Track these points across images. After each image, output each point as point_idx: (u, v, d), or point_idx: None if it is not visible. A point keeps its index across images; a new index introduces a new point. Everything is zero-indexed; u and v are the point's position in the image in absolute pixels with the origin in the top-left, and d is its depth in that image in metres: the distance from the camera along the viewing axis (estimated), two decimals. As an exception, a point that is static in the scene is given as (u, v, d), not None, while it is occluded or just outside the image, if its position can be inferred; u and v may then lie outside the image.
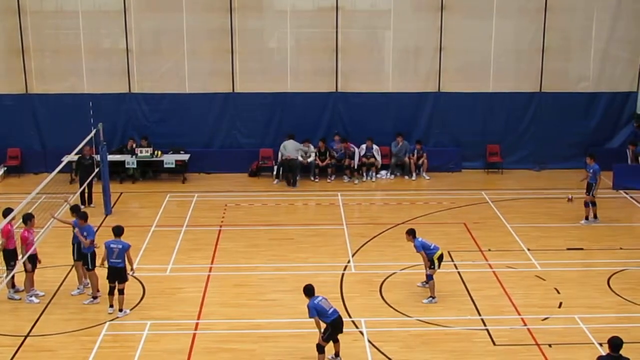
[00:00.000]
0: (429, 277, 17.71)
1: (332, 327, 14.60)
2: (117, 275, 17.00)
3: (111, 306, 17.23)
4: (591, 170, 22.46)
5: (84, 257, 17.64)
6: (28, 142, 27.66)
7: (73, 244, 17.97)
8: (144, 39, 27.56)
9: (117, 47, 27.54)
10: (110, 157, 25.03)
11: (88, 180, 23.26)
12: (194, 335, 16.33)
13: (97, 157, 23.39)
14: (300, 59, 27.91)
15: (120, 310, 17.13)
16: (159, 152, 26.81)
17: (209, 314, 17.24)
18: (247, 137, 27.98)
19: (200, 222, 22.92)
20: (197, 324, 16.79)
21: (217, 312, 17.32)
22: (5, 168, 27.46)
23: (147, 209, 23.88)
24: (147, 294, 18.16)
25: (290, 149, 26.66)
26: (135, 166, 26.60)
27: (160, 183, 26.66)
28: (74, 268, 18.39)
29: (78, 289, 18.14)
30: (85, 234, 17.43)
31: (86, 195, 23.78)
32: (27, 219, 17.43)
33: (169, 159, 26.78)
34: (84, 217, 17.71)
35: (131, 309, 17.36)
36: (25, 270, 17.43)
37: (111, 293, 17.15)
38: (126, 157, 26.59)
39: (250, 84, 27.66)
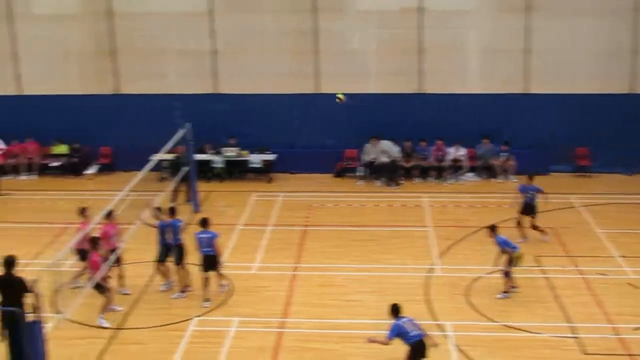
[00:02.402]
0: (507, 274, 17.62)
1: (414, 350, 13.88)
2: (211, 263, 17.64)
3: (207, 300, 17.60)
4: None
5: (174, 253, 18.04)
6: (119, 141, 28.28)
7: (163, 245, 18.28)
8: (228, 40, 27.88)
9: (203, 49, 27.94)
10: (198, 157, 25.41)
11: (179, 180, 23.69)
12: (280, 333, 16.47)
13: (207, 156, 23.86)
14: (382, 60, 27.86)
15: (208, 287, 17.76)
16: (246, 152, 27.11)
17: (294, 313, 17.36)
18: (331, 137, 28.04)
19: (286, 222, 23.09)
20: (282, 323, 16.93)
21: (302, 311, 17.43)
22: (98, 166, 28.17)
23: (233, 208, 24.16)
24: (234, 291, 18.39)
25: (380, 149, 26.60)
26: (222, 165, 26.97)
27: (246, 182, 26.94)
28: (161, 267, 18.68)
29: (165, 284, 18.48)
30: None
31: (184, 193, 24.21)
32: (108, 215, 17.87)
33: (255, 159, 27.07)
34: (171, 212, 18.21)
35: (218, 306, 17.62)
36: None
37: (206, 285, 17.63)
38: (213, 157, 26.95)
39: (333, 85, 27.65)
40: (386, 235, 21.98)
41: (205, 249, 17.62)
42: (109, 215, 17.99)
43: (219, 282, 18.27)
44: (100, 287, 16.67)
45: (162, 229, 18.12)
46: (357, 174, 27.14)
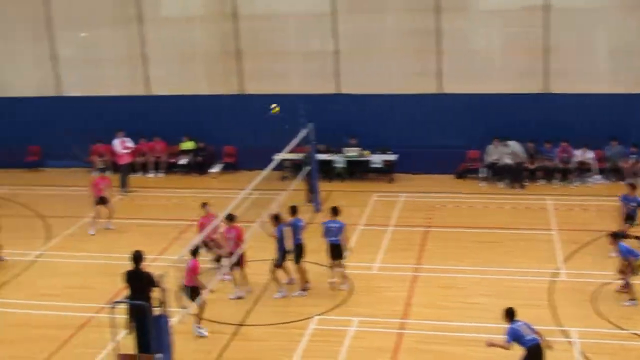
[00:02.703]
0: (627, 284, 17.15)
1: (530, 354, 13.55)
2: (337, 252, 18.13)
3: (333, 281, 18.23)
4: None
5: (294, 252, 18.22)
6: (242, 141, 28.77)
7: (281, 250, 18.36)
8: (351, 40, 27.92)
9: (326, 49, 28.10)
10: (319, 156, 25.59)
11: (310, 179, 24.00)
12: (399, 334, 16.41)
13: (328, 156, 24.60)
14: (506, 59, 27.34)
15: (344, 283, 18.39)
16: (367, 152, 27.15)
17: (414, 314, 17.27)
18: (453, 138, 27.70)
19: (407, 222, 22.98)
20: (402, 324, 16.86)
21: (422, 313, 17.32)
22: (222, 165, 28.75)
23: (354, 208, 24.20)
24: (355, 290, 18.45)
25: (505, 150, 26.17)
26: (343, 165, 27.09)
27: (367, 182, 26.94)
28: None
29: (280, 292, 18.47)
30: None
31: (310, 193, 24.45)
32: (230, 218, 18.07)
33: (376, 159, 27.07)
34: (275, 218, 18.27)
35: (338, 306, 17.71)
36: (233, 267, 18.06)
37: (334, 267, 18.32)
38: (334, 157, 27.10)
39: (456, 85, 27.37)
40: (509, 237, 21.60)
41: (332, 238, 18.08)
42: (230, 218, 18.17)
43: (338, 275, 18.46)
44: (194, 293, 16.19)
45: (281, 235, 18.16)
46: (480, 175, 26.76)
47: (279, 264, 18.31)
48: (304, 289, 18.38)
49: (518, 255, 20.31)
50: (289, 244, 18.14)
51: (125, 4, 28.92)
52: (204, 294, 16.30)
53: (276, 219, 18.32)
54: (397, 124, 27.78)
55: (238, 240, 18.00)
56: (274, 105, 21.38)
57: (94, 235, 22.85)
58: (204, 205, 19.60)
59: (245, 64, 28.59)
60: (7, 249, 21.36)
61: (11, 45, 30.32)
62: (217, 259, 19.03)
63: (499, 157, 26.33)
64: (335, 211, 18.42)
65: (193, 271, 15.95)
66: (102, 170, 25.64)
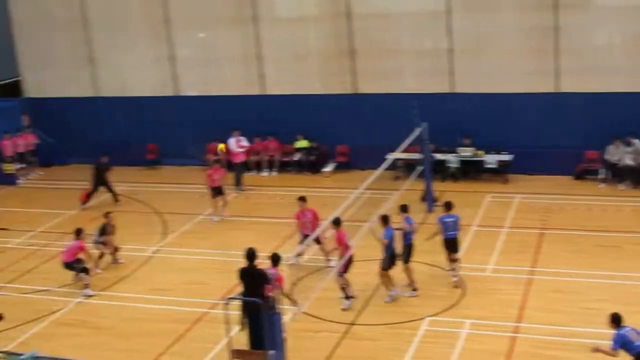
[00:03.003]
0: None
1: None
2: (454, 245, 18.53)
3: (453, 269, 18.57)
4: None
5: (403, 251, 18.16)
6: (355, 140, 28.81)
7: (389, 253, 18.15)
8: (466, 38, 27.55)
9: (440, 47, 27.81)
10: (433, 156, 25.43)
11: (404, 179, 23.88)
12: (513, 338, 16.12)
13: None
14: (627, 57, 26.39)
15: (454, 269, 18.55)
16: (481, 152, 26.78)
17: (529, 318, 16.93)
18: (571, 138, 26.98)
19: (522, 224, 22.54)
20: (516, 327, 16.55)
21: (537, 317, 16.96)
22: (335, 164, 28.86)
23: (467, 208, 23.86)
24: (467, 292, 18.23)
25: (626, 150, 25.38)
26: (456, 165, 26.80)
27: (481, 183, 26.52)
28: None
29: (389, 296, 18.26)
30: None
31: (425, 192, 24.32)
32: (336, 222, 18.01)
33: (491, 159, 26.65)
34: (384, 220, 18.03)
35: (450, 307, 17.56)
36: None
37: (452, 261, 18.59)
38: (448, 156, 26.83)
39: (574, 84, 26.64)
40: (629, 241, 20.87)
41: (450, 232, 18.35)
42: (337, 223, 18.04)
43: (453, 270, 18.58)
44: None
45: (391, 238, 17.99)
46: (599, 176, 26.00)
47: (386, 267, 18.04)
48: (414, 289, 18.26)
49: (638, 260, 19.64)
50: (399, 247, 18.05)
51: (241, 5, 29.35)
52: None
53: (385, 220, 18.11)
54: (512, 124, 27.25)
55: (340, 244, 17.90)
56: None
57: (217, 221, 23.86)
58: (301, 199, 20.16)
59: (359, 63, 28.59)
60: (126, 245, 22.04)
61: (132, 46, 31.30)
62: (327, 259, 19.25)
63: (620, 158, 25.52)
64: (449, 206, 18.71)
65: (278, 281, 15.40)
66: (217, 162, 26.18)
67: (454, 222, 18.47)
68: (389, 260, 17.97)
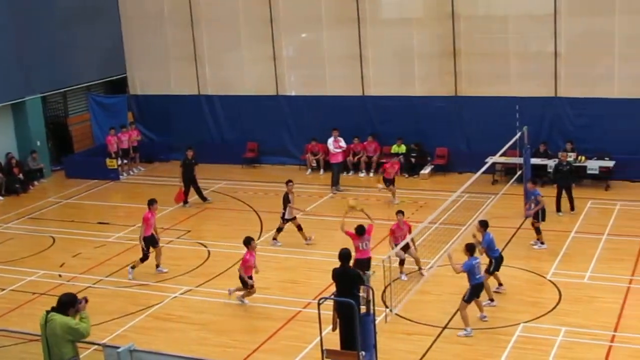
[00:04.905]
0: None
1: None
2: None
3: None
4: None
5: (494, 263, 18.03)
6: (455, 142, 28.64)
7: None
8: (573, 42, 27.04)
9: (545, 51, 27.38)
10: (533, 161, 25.05)
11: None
12: (610, 347, 15.83)
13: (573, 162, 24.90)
14: None
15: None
16: (583, 158, 26.26)
17: (627, 327, 16.60)
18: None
19: (623, 232, 22.02)
20: (613, 336, 16.24)
21: (635, 326, 16.61)
22: (432, 166, 28.76)
23: (567, 215, 23.50)
24: (563, 299, 17.96)
25: None
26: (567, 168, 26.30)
27: (582, 189, 25.93)
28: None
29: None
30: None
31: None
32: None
33: (593, 165, 26.13)
34: (484, 225, 17.94)
35: (546, 314, 17.38)
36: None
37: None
38: (549, 161, 26.38)
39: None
40: None
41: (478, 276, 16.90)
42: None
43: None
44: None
45: (489, 244, 17.89)
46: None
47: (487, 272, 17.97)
48: (491, 299, 17.94)
49: None
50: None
51: (346, 6, 29.46)
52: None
53: (483, 225, 18.03)
54: (617, 130, 26.59)
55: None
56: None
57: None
58: (399, 212, 19.82)
59: (462, 66, 28.34)
60: (224, 241, 22.46)
61: (236, 45, 31.78)
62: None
63: None
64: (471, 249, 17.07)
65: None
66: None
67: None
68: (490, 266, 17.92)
